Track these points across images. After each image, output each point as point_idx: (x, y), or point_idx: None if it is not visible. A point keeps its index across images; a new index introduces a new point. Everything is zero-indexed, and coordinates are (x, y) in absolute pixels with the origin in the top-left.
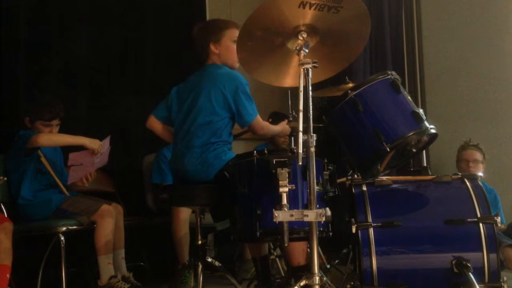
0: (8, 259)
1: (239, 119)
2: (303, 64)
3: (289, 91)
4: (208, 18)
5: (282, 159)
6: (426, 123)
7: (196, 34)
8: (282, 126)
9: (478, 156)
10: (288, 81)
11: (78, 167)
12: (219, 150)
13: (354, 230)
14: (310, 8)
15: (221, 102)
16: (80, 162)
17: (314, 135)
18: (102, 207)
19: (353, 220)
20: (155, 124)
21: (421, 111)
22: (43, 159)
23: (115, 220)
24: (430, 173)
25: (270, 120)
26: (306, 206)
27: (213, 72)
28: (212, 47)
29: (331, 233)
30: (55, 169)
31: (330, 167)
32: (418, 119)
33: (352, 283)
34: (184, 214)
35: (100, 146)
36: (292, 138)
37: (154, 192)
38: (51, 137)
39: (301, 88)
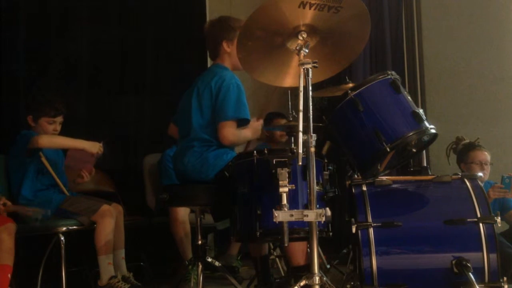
0: (10, 259)
1: (216, 113)
2: (303, 64)
3: (289, 91)
4: (208, 18)
5: (282, 159)
6: (426, 123)
7: (209, 30)
8: (252, 128)
9: (489, 158)
10: (288, 81)
11: (77, 159)
12: (220, 150)
13: (354, 230)
14: (310, 8)
15: (210, 103)
16: (79, 158)
17: (314, 135)
18: (102, 207)
19: (353, 220)
20: (172, 129)
21: (421, 111)
22: (43, 160)
23: (115, 220)
24: (430, 173)
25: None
26: (306, 206)
27: (210, 72)
28: (224, 45)
29: (331, 233)
30: (56, 170)
31: (330, 167)
32: (418, 119)
33: (352, 283)
34: (182, 214)
35: (100, 148)
36: (292, 138)
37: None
38: (52, 139)
39: (301, 88)
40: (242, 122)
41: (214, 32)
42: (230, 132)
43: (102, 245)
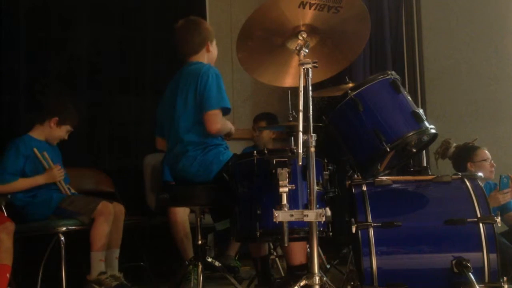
0: (9, 259)
1: (201, 104)
2: (303, 64)
3: (289, 91)
4: (208, 18)
5: (282, 159)
6: (426, 123)
7: (202, 28)
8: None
9: None
10: (288, 81)
11: None
12: (216, 150)
13: (354, 230)
14: (310, 8)
15: (194, 101)
16: None
17: (314, 135)
18: (101, 204)
19: (353, 220)
20: (160, 142)
21: (421, 111)
22: (40, 158)
23: (116, 219)
24: (430, 173)
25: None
26: (306, 206)
27: (186, 71)
28: (209, 45)
29: (331, 233)
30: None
31: (330, 167)
32: (418, 119)
33: (352, 283)
34: (181, 214)
35: (60, 174)
36: (292, 138)
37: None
38: (11, 186)
39: (301, 88)
40: (224, 111)
41: (206, 32)
42: (217, 120)
43: (96, 241)
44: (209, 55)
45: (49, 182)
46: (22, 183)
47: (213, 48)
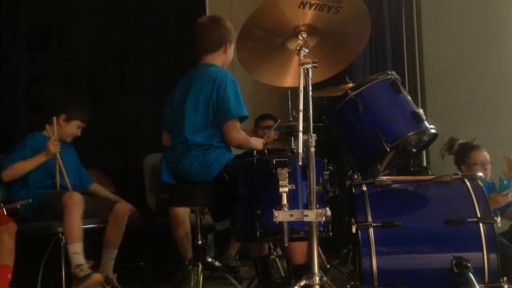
0: (10, 260)
1: (219, 113)
2: (303, 64)
3: (289, 91)
4: None
5: (282, 159)
6: (426, 123)
7: (222, 27)
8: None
9: (488, 157)
10: (288, 81)
11: None
12: (218, 151)
13: (354, 230)
14: (310, 8)
15: (206, 104)
16: None
17: (314, 135)
18: (65, 195)
19: (353, 220)
20: (166, 137)
21: (421, 111)
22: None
23: (117, 218)
24: (430, 173)
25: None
26: (306, 206)
27: (202, 73)
28: (228, 46)
29: (331, 233)
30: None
31: (330, 167)
32: (418, 119)
33: (352, 283)
34: (182, 214)
35: (52, 148)
36: (292, 138)
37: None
38: (14, 170)
39: (301, 88)
40: (242, 119)
41: (222, 32)
42: (238, 133)
43: (68, 234)
44: (225, 57)
45: (49, 156)
46: (23, 165)
47: (230, 51)
